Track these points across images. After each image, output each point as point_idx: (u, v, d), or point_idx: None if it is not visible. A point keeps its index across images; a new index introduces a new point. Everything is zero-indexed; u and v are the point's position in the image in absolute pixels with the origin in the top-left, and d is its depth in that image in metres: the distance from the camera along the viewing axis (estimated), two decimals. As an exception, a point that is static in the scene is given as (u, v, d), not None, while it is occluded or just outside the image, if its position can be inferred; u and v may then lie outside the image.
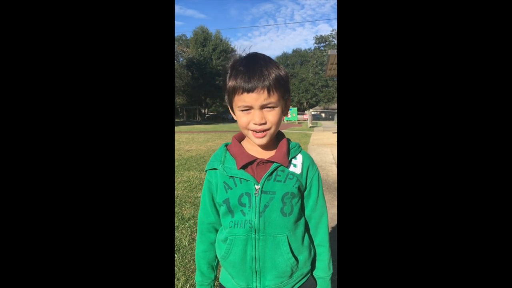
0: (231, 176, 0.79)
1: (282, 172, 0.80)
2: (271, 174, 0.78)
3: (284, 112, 0.78)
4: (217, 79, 33.32)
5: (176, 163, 5.62)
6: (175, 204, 3.21)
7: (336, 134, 12.15)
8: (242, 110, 0.75)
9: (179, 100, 36.29)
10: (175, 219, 2.76)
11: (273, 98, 0.73)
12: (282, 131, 0.87)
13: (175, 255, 2.11)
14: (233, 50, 35.40)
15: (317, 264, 0.88)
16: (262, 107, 0.73)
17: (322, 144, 9.05)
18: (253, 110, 0.73)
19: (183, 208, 3.08)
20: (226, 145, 0.86)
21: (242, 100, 0.73)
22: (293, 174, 0.81)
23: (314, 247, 0.87)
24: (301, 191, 0.83)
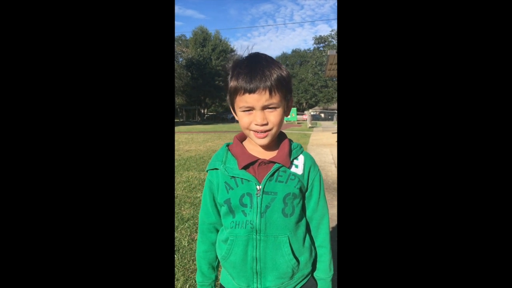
0: (232, 176, 0.79)
1: (283, 172, 0.79)
2: (272, 174, 0.78)
3: (286, 112, 0.78)
4: (217, 79, 33.32)
5: (176, 163, 5.62)
6: (175, 204, 3.21)
7: (335, 135, 12.16)
8: (244, 111, 0.74)
9: (178, 100, 36.26)
10: (175, 219, 2.76)
11: (275, 99, 0.72)
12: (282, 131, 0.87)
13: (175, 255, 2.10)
14: (232, 50, 35.46)
15: (318, 265, 0.87)
16: (264, 107, 0.73)
17: (322, 144, 9.05)
18: (254, 111, 0.73)
19: (182, 209, 3.07)
20: (228, 145, 0.86)
21: (243, 100, 0.72)
22: (294, 174, 0.80)
23: (315, 248, 0.87)
24: (302, 192, 0.83)
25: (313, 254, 0.86)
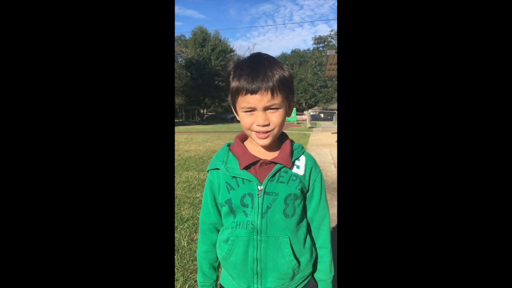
0: (233, 177, 0.78)
1: (285, 173, 0.79)
2: (274, 175, 0.78)
3: (288, 113, 0.78)
4: (216, 80, 33.32)
5: (175, 164, 5.62)
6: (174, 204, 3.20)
7: (334, 135, 12.17)
8: (246, 111, 0.74)
9: (177, 100, 36.26)
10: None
11: (277, 100, 0.72)
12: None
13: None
14: (231, 51, 35.44)
15: (318, 266, 0.87)
16: (266, 108, 0.72)
17: (321, 145, 9.05)
18: (256, 112, 0.73)
19: (182, 209, 3.07)
20: (229, 145, 0.86)
21: (245, 101, 0.72)
22: (296, 175, 0.80)
23: (315, 249, 0.87)
24: (303, 193, 0.83)
25: (314, 255, 0.86)
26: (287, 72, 0.74)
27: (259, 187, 0.77)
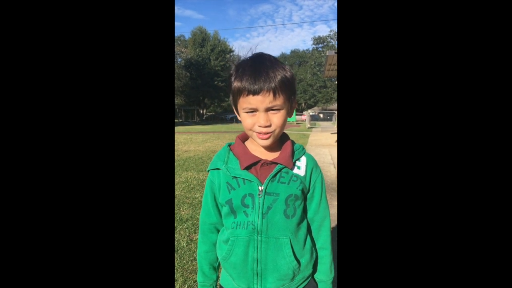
0: (234, 177, 0.78)
1: (286, 173, 0.79)
2: (275, 175, 0.78)
3: (289, 114, 0.77)
4: (216, 80, 33.32)
5: (175, 164, 5.61)
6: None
7: (334, 135, 12.18)
8: (247, 112, 0.74)
9: (177, 100, 36.22)
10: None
11: (279, 101, 0.71)
12: (281, 131, 0.86)
13: (174, 256, 2.10)
14: (231, 51, 35.42)
15: (318, 267, 0.87)
16: (267, 109, 0.72)
17: (321, 145, 9.05)
18: (258, 112, 0.72)
19: (181, 209, 3.07)
20: (229, 145, 0.85)
21: (247, 102, 0.72)
22: (297, 176, 0.80)
23: (316, 250, 0.87)
24: (304, 193, 0.82)
25: (314, 256, 0.86)
26: (289, 73, 0.74)
27: (259, 188, 0.76)
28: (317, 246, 0.87)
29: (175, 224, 2.65)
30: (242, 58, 0.78)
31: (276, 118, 0.73)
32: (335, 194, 3.65)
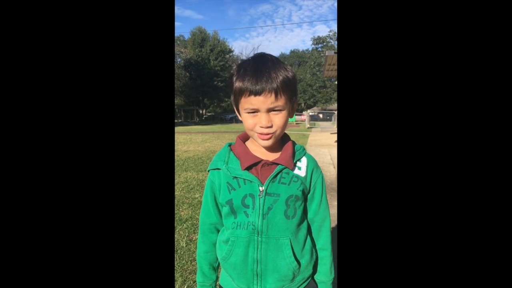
0: (235, 177, 0.78)
1: (286, 174, 0.79)
2: (275, 176, 0.77)
3: (290, 114, 0.77)
4: (215, 80, 33.31)
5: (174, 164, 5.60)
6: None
7: (333, 135, 12.18)
8: (249, 113, 0.73)
9: (176, 100, 36.20)
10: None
11: (280, 102, 0.71)
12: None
13: (173, 256, 2.10)
14: (230, 51, 35.41)
15: (318, 268, 0.87)
16: (269, 110, 0.72)
17: (320, 145, 9.06)
18: (259, 113, 0.72)
19: (180, 209, 3.07)
20: (230, 145, 0.85)
21: (248, 102, 0.71)
22: (297, 177, 0.80)
23: (316, 250, 0.87)
24: (304, 194, 0.82)
25: (314, 256, 0.86)
26: (290, 73, 0.73)
27: (260, 188, 0.76)
28: (317, 247, 0.87)
29: (175, 225, 2.65)
30: (245, 57, 0.78)
31: (278, 119, 0.73)
32: (335, 194, 3.65)
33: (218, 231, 0.87)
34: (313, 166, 0.84)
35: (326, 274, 0.86)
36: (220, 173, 0.81)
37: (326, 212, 0.86)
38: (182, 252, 2.16)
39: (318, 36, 48.44)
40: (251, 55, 0.78)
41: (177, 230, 2.55)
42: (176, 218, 2.79)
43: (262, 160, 0.79)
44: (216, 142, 9.69)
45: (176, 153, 7.14)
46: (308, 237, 0.84)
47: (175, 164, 5.65)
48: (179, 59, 34.82)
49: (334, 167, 5.38)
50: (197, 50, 34.13)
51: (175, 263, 2.01)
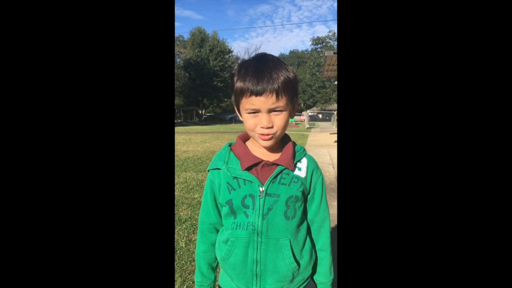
0: (235, 177, 0.78)
1: (287, 175, 0.79)
2: (276, 176, 0.77)
3: (291, 115, 0.77)
4: (215, 80, 33.31)
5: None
6: (172, 205, 3.19)
7: (333, 135, 12.19)
8: (249, 113, 0.73)
9: (176, 101, 36.17)
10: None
11: (281, 102, 0.71)
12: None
13: (172, 256, 2.09)
14: (230, 51, 35.40)
15: (318, 269, 0.86)
16: (270, 110, 0.71)
17: (319, 145, 9.06)
18: (260, 113, 0.72)
19: (180, 209, 3.06)
20: (230, 144, 0.85)
21: (249, 103, 0.71)
22: (297, 177, 0.80)
23: (315, 251, 0.87)
24: (304, 195, 0.82)
25: (314, 257, 0.85)
26: (292, 74, 0.73)
27: (260, 189, 0.76)
28: (316, 248, 0.87)
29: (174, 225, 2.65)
30: (246, 57, 0.78)
31: (279, 120, 0.73)
32: (334, 194, 3.65)
33: (218, 231, 0.87)
34: (313, 167, 0.84)
35: (325, 275, 0.86)
36: (220, 173, 0.80)
37: (326, 213, 0.86)
38: (181, 253, 2.15)
39: (318, 37, 48.48)
40: (253, 55, 0.78)
41: (176, 230, 2.54)
42: (176, 219, 2.79)
43: (262, 160, 0.79)
44: (215, 143, 9.68)
45: (175, 153, 7.14)
46: (308, 238, 0.84)
47: (175, 164, 5.65)
48: (178, 59, 34.80)
49: (334, 167, 5.38)
50: (196, 50, 34.12)
51: (175, 263, 2.01)
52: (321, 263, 0.86)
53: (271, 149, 0.80)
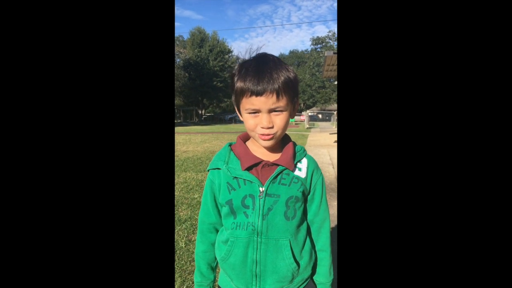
0: (235, 177, 0.78)
1: (287, 175, 0.79)
2: (276, 177, 0.77)
3: (292, 115, 0.77)
4: (214, 80, 33.29)
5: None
6: (172, 205, 3.19)
7: (332, 135, 12.19)
8: (250, 113, 0.73)
9: (176, 101, 36.15)
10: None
11: (282, 102, 0.71)
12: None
13: (172, 257, 2.09)
14: (230, 51, 35.39)
15: (318, 270, 0.86)
16: (270, 111, 0.71)
17: (319, 145, 9.06)
18: (261, 114, 0.72)
19: (179, 210, 3.06)
20: (230, 144, 0.85)
21: (250, 103, 0.71)
22: (298, 178, 0.80)
23: (315, 252, 0.86)
24: (305, 195, 0.82)
25: (313, 257, 0.85)
26: (292, 74, 0.73)
27: (260, 189, 0.76)
28: (316, 248, 0.87)
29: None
30: (246, 58, 0.77)
31: (279, 120, 0.73)
32: (334, 194, 3.65)
33: (217, 231, 0.87)
34: (314, 167, 0.84)
35: (325, 275, 0.86)
36: (220, 173, 0.80)
37: (326, 214, 0.86)
38: (181, 253, 2.15)
39: (317, 37, 48.56)
40: (254, 55, 0.77)
41: (176, 230, 2.54)
42: (175, 219, 2.79)
43: (262, 160, 0.79)
44: (215, 143, 9.68)
45: (175, 153, 7.14)
46: (308, 238, 0.84)
47: (175, 164, 5.64)
48: (178, 60, 34.77)
49: (333, 167, 5.38)
50: (196, 50, 34.10)
51: (175, 263, 2.01)
52: (320, 264, 0.86)
53: (272, 149, 0.80)
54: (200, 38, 34.85)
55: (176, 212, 2.99)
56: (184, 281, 1.82)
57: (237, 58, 0.79)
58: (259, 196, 0.76)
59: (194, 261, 2.00)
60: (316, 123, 31.65)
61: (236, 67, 0.76)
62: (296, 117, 31.39)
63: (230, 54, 35.67)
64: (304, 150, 0.86)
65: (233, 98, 0.78)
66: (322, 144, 9.37)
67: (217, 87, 33.74)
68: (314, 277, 0.87)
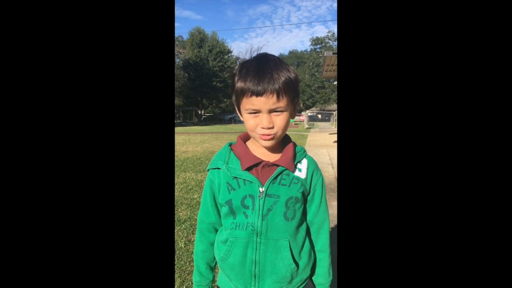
0: (235, 177, 0.78)
1: (287, 176, 0.78)
2: (276, 177, 0.77)
3: (292, 115, 0.77)
4: (214, 80, 33.27)
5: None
6: (171, 205, 3.19)
7: (332, 135, 12.20)
8: (250, 113, 0.73)
9: (175, 101, 36.11)
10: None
11: (282, 103, 0.70)
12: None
13: (171, 257, 2.09)
14: (229, 52, 35.38)
15: (317, 270, 0.86)
16: (271, 111, 0.71)
17: (319, 145, 9.07)
18: (261, 114, 0.72)
19: (179, 210, 3.06)
20: (230, 144, 0.85)
21: (250, 103, 0.71)
22: (298, 178, 0.79)
23: (314, 252, 0.86)
24: (304, 196, 0.82)
25: (313, 258, 0.85)
26: (293, 74, 0.73)
27: (260, 189, 0.76)
28: (315, 249, 0.87)
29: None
30: (247, 58, 0.77)
31: (279, 120, 0.72)
32: (334, 194, 3.65)
33: (217, 230, 0.87)
34: (314, 168, 0.84)
35: (324, 276, 0.86)
36: (220, 173, 0.80)
37: (326, 214, 0.86)
38: (180, 253, 2.15)
39: (317, 37, 48.59)
40: (254, 55, 0.77)
41: (175, 231, 2.54)
42: (175, 219, 2.79)
43: (262, 161, 0.78)
44: (215, 143, 9.68)
45: (175, 154, 7.13)
46: (307, 239, 0.84)
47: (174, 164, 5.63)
48: (177, 60, 34.71)
49: (333, 168, 5.39)
50: (195, 50, 34.06)
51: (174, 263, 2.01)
52: (320, 264, 0.86)
53: (272, 149, 0.80)
54: (199, 39, 34.82)
55: (175, 212, 2.99)
56: (183, 281, 1.81)
57: (238, 58, 0.78)
58: (259, 196, 0.76)
59: (193, 261, 2.00)
60: (315, 123, 31.67)
61: (236, 67, 0.76)
62: (295, 117, 31.40)
63: (230, 55, 35.65)
64: (304, 150, 0.86)
65: (233, 98, 0.77)
66: (321, 144, 9.38)
67: (217, 88, 33.72)
68: (313, 278, 0.87)
